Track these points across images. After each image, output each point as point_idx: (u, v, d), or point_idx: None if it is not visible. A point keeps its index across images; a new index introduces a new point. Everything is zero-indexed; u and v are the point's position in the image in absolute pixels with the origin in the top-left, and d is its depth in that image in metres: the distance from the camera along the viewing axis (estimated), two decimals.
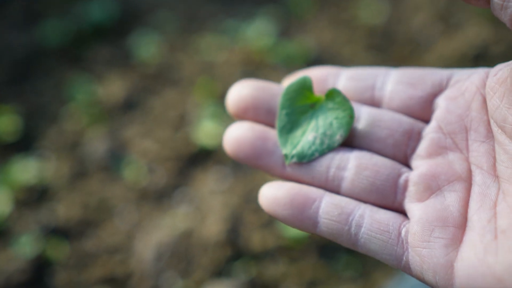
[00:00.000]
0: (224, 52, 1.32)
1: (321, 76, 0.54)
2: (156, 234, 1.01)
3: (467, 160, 0.47)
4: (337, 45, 1.34)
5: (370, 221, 0.46)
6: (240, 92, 0.54)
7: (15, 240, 0.99)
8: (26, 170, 1.08)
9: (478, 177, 0.45)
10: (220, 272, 0.97)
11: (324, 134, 0.51)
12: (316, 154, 0.50)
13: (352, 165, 0.49)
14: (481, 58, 1.27)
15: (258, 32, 1.33)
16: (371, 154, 0.50)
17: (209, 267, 0.97)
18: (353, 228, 0.46)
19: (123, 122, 1.20)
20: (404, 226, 0.45)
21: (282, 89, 0.54)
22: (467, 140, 0.47)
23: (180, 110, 1.21)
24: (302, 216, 0.47)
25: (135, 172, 1.10)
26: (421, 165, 0.48)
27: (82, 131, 1.18)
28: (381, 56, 1.31)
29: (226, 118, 1.18)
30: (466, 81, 0.49)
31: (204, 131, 1.14)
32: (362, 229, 0.46)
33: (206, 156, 1.12)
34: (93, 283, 0.96)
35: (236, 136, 0.52)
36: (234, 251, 0.99)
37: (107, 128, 1.18)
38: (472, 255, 0.41)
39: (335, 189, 0.49)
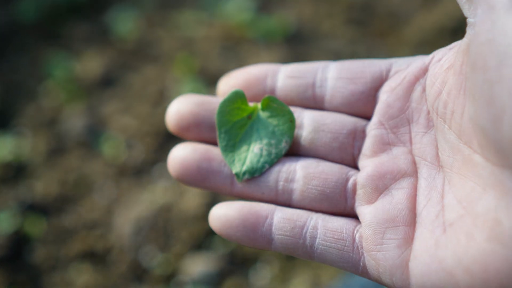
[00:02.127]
0: (204, 28, 1.32)
1: (260, 76, 0.53)
2: (135, 209, 1.01)
3: (411, 153, 0.46)
4: (317, 20, 1.34)
5: (324, 231, 0.45)
6: (179, 110, 0.51)
7: None
8: (3, 147, 1.07)
9: (423, 170, 0.45)
10: (200, 245, 0.97)
11: (269, 144, 0.50)
12: (266, 166, 0.49)
13: (299, 176, 0.48)
14: (459, 31, 1.27)
15: (237, 7, 1.32)
16: (318, 162, 0.48)
17: (189, 240, 0.97)
18: (308, 241, 0.45)
19: (102, 99, 1.19)
20: (357, 231, 0.45)
21: (218, 102, 0.52)
22: (410, 132, 0.47)
23: (159, 86, 1.20)
24: (256, 235, 0.46)
25: (114, 148, 1.10)
26: (366, 165, 0.47)
27: (60, 107, 1.17)
28: (360, 30, 1.31)
29: (205, 93, 1.18)
30: (405, 71, 0.48)
31: None
32: (317, 240, 0.45)
33: None
34: (72, 258, 0.96)
35: (180, 159, 0.50)
36: None
37: (85, 104, 1.17)
38: (424, 252, 0.40)
39: (286, 202, 0.48)
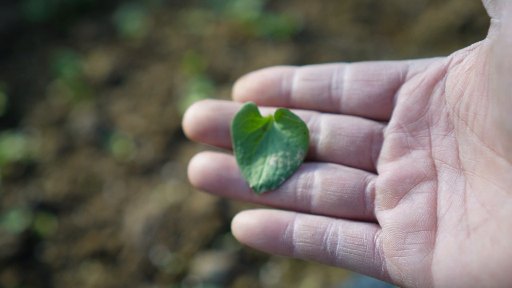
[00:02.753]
0: (211, 26, 1.31)
1: (275, 78, 0.52)
2: (145, 207, 1.01)
3: (430, 156, 0.46)
4: (324, 18, 1.34)
5: (344, 237, 0.45)
6: (196, 115, 0.51)
7: (3, 216, 0.99)
8: (13, 146, 1.07)
9: (444, 173, 0.44)
10: (210, 244, 0.97)
11: (284, 156, 0.50)
12: (282, 179, 0.49)
13: (318, 182, 0.48)
14: (467, 28, 1.27)
15: (244, 5, 1.32)
16: (335, 167, 0.48)
17: (199, 239, 0.97)
18: (328, 247, 0.46)
19: (110, 97, 1.19)
20: (377, 236, 0.45)
21: (237, 108, 0.52)
22: (429, 135, 0.46)
23: (167, 84, 1.20)
24: (277, 243, 0.47)
25: (123, 147, 1.10)
26: (385, 169, 0.47)
27: (69, 106, 1.17)
28: (368, 28, 1.31)
29: (213, 92, 1.18)
30: (423, 73, 0.47)
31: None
32: (337, 247, 0.45)
33: None
34: (83, 257, 0.96)
35: (200, 168, 0.50)
36: (223, 223, 0.99)
37: (94, 103, 1.17)
38: (447, 257, 0.40)
39: (305, 209, 0.48)
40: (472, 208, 0.40)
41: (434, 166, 0.45)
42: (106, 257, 0.97)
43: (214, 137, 0.52)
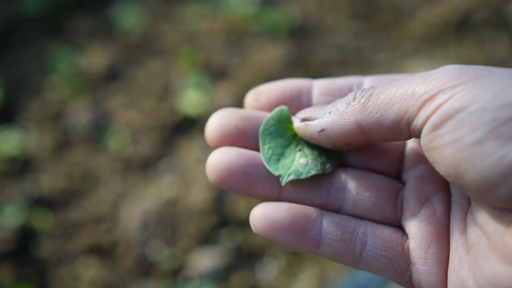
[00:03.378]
0: (207, 21, 1.31)
1: (295, 93, 0.51)
2: (142, 203, 1.01)
3: None
4: (321, 13, 1.33)
5: (374, 238, 0.45)
6: (222, 124, 0.49)
7: None
8: (9, 142, 1.07)
9: (452, 185, 0.45)
10: (206, 239, 0.98)
11: (315, 159, 0.48)
12: (313, 172, 0.47)
13: (351, 186, 0.47)
14: (464, 24, 1.27)
15: (241, 0, 1.31)
16: (368, 173, 0.48)
17: (195, 234, 0.97)
18: (357, 247, 0.45)
19: (107, 93, 1.18)
20: (406, 241, 0.45)
21: (263, 116, 0.50)
22: None
23: (163, 80, 1.20)
24: (304, 238, 0.45)
25: (119, 142, 1.10)
26: (409, 177, 0.47)
27: (65, 102, 1.16)
28: (365, 24, 1.31)
29: (209, 87, 1.17)
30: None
31: (188, 100, 1.14)
32: (367, 247, 0.44)
33: (190, 125, 1.12)
34: (79, 253, 0.96)
35: (225, 164, 0.47)
36: (220, 219, 0.99)
37: (90, 99, 1.17)
38: (451, 271, 0.40)
39: (335, 211, 0.47)
40: (469, 224, 0.41)
41: None
42: (102, 252, 0.97)
43: (243, 147, 0.49)
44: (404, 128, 0.40)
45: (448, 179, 0.38)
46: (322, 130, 0.45)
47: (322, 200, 0.47)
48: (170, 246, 0.97)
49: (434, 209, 0.44)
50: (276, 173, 0.47)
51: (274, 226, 0.44)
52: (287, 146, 0.50)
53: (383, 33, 1.29)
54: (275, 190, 0.48)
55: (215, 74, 1.21)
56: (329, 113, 0.44)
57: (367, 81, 0.51)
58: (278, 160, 0.48)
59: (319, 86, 0.52)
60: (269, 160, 0.48)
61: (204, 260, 0.94)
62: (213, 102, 1.14)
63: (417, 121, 0.38)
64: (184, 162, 1.07)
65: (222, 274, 0.94)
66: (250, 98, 0.53)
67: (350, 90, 0.51)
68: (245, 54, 1.24)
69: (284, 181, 0.47)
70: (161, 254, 0.96)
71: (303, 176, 0.47)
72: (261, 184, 0.47)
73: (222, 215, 0.99)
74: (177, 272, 0.95)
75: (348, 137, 0.43)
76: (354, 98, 0.43)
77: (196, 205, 0.99)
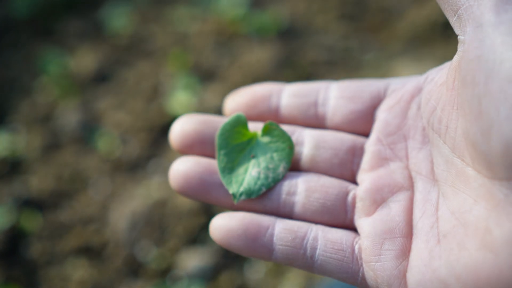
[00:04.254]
0: (197, 23, 1.32)
1: (265, 94, 0.54)
2: (130, 204, 1.02)
3: (407, 168, 0.48)
4: (310, 15, 1.34)
5: (324, 242, 0.46)
6: (183, 128, 0.52)
7: None
8: None
9: (419, 184, 0.46)
10: (195, 239, 0.98)
11: (267, 168, 0.50)
12: (263, 189, 0.49)
13: (301, 189, 0.49)
14: (450, 26, 1.28)
15: (230, 2, 1.32)
16: (319, 176, 0.50)
17: (183, 235, 0.98)
18: (308, 251, 0.46)
19: (96, 94, 1.19)
20: (356, 242, 0.46)
21: (223, 121, 0.53)
22: (406, 148, 0.48)
23: (153, 81, 1.21)
24: (256, 245, 0.47)
25: (108, 143, 1.10)
26: (365, 179, 0.48)
27: (54, 103, 1.17)
28: (353, 25, 1.32)
29: (199, 89, 1.18)
30: (401, 90, 0.50)
31: (177, 102, 1.14)
32: (317, 251, 0.46)
33: None
34: (68, 253, 0.96)
35: (183, 172, 0.50)
36: (208, 219, 1.00)
37: (80, 100, 1.18)
38: (419, 262, 0.41)
39: (287, 215, 0.49)
40: (443, 216, 0.42)
41: (410, 177, 0.47)
42: (91, 253, 0.97)
43: (201, 149, 0.52)
44: None
45: (470, 133, 0.38)
46: None
47: (273, 205, 0.49)
48: (159, 246, 0.97)
49: (390, 209, 0.46)
50: (230, 190, 0.50)
51: (228, 235, 0.47)
52: (241, 151, 0.52)
53: (371, 34, 1.30)
54: (229, 196, 0.50)
55: (205, 75, 1.22)
56: None
57: (335, 85, 0.54)
58: (232, 169, 0.51)
59: (289, 89, 0.55)
60: (223, 169, 0.51)
61: (193, 260, 0.95)
62: (202, 103, 1.15)
63: None
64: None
65: (210, 274, 0.94)
66: (228, 100, 0.56)
67: (317, 92, 0.54)
68: (234, 56, 1.25)
69: (236, 201, 0.50)
70: (149, 254, 0.97)
71: (253, 196, 0.49)
72: (215, 191, 0.50)
73: (211, 216, 1.00)
74: (165, 272, 0.95)
75: None
76: None
77: (184, 205, 1.00)
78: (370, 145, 0.50)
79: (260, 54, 1.23)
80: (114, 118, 1.14)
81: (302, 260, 0.46)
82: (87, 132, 1.12)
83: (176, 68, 1.21)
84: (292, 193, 0.49)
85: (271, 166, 0.51)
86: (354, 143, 0.51)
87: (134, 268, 0.95)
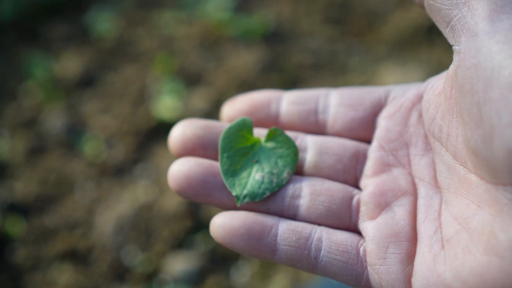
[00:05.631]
0: (183, 27, 1.32)
1: (264, 102, 0.54)
2: (116, 208, 1.01)
3: (410, 174, 0.48)
4: (296, 18, 1.35)
5: (329, 243, 0.46)
6: (185, 133, 0.51)
7: None
8: None
9: (421, 189, 0.46)
10: (181, 243, 0.98)
11: (271, 173, 0.50)
12: (267, 193, 0.49)
13: (306, 192, 0.48)
14: (435, 30, 1.29)
15: (216, 6, 1.32)
16: (323, 180, 0.50)
17: (170, 239, 0.98)
18: (312, 252, 0.46)
19: (82, 98, 1.19)
20: (361, 245, 0.46)
21: (224, 127, 0.53)
22: (408, 155, 0.49)
23: (139, 85, 1.21)
24: (260, 245, 0.46)
25: (94, 147, 1.10)
26: (369, 184, 0.48)
27: (39, 107, 1.16)
28: (339, 29, 1.33)
29: (185, 92, 1.18)
30: (402, 97, 0.51)
31: (163, 106, 1.14)
32: (322, 252, 0.45)
33: (165, 130, 1.12)
34: (53, 258, 0.96)
35: (185, 173, 0.49)
36: (195, 223, 1.00)
37: (65, 104, 1.17)
38: (423, 267, 0.41)
39: (291, 218, 0.48)
40: (446, 221, 0.42)
41: (413, 183, 0.48)
42: (77, 257, 0.97)
43: (202, 154, 0.52)
44: None
45: (472, 142, 0.38)
46: None
47: (277, 208, 0.49)
48: (145, 250, 0.97)
49: (394, 213, 0.46)
50: (233, 192, 0.49)
51: (231, 234, 0.46)
52: (245, 155, 0.52)
53: (357, 38, 1.31)
54: (232, 198, 0.49)
55: (191, 79, 1.22)
56: None
57: (335, 93, 0.54)
58: (235, 172, 0.50)
59: (288, 96, 0.54)
60: (226, 172, 0.50)
61: (179, 264, 0.95)
62: (188, 107, 1.15)
63: None
64: (159, 167, 1.07)
65: (196, 278, 0.94)
66: (226, 107, 0.55)
67: (317, 99, 0.54)
68: (220, 60, 1.25)
69: (239, 203, 0.49)
70: (136, 258, 0.96)
71: (257, 199, 0.49)
72: (218, 193, 0.49)
73: (197, 219, 1.00)
74: (152, 276, 0.95)
75: None
76: None
77: (171, 209, 1.00)
78: (373, 151, 0.50)
79: (246, 58, 1.24)
80: (100, 122, 1.14)
81: (306, 261, 0.46)
82: (73, 136, 1.11)
83: (162, 72, 1.21)
84: (296, 196, 0.49)
85: (275, 171, 0.50)
86: (357, 150, 0.51)
87: (120, 273, 0.95)
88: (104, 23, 1.30)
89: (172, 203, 1.01)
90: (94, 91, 1.20)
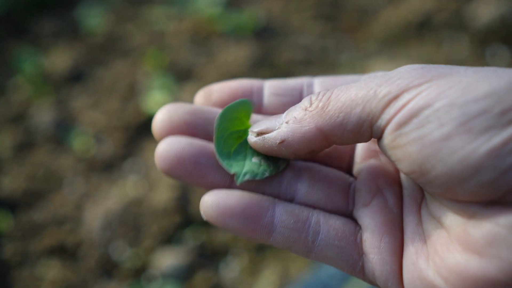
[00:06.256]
0: (173, 22, 1.31)
1: (245, 92, 0.51)
2: (105, 203, 1.01)
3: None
4: (286, 14, 1.35)
5: (327, 228, 0.44)
6: (172, 119, 0.48)
7: None
8: None
9: (404, 179, 0.45)
10: (170, 239, 0.98)
11: (267, 158, 0.48)
12: (266, 174, 0.46)
13: (304, 176, 0.47)
14: (425, 26, 1.29)
15: (207, 1, 1.32)
16: (320, 166, 0.48)
17: (159, 234, 0.97)
18: (310, 236, 0.44)
19: (71, 93, 1.18)
20: (358, 232, 0.44)
21: (215, 112, 0.49)
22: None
23: (129, 80, 1.20)
24: (256, 226, 0.44)
25: (83, 143, 1.09)
26: (360, 170, 0.47)
27: (28, 102, 1.16)
28: (329, 25, 1.32)
29: (175, 88, 1.18)
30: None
31: (153, 101, 1.14)
32: (320, 236, 0.44)
33: None
34: (41, 253, 0.95)
35: (176, 152, 0.45)
36: (184, 218, 0.99)
37: (55, 99, 1.16)
38: (408, 261, 0.41)
39: (287, 201, 0.46)
40: (425, 216, 0.41)
41: (398, 171, 0.47)
42: (65, 253, 0.96)
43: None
44: (367, 130, 0.39)
45: (411, 176, 0.38)
46: (282, 142, 0.43)
47: (273, 191, 0.47)
48: (134, 246, 0.97)
49: (386, 200, 0.45)
50: (231, 171, 0.46)
51: (226, 213, 0.44)
52: (238, 138, 0.49)
53: (347, 34, 1.31)
54: (226, 181, 0.47)
55: (181, 74, 1.21)
56: (287, 122, 0.43)
57: (317, 81, 0.52)
58: (229, 154, 0.48)
59: (269, 86, 0.52)
60: (221, 153, 0.47)
61: (168, 259, 0.95)
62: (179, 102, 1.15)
63: (381, 122, 0.38)
64: (148, 163, 1.07)
65: (185, 273, 0.94)
66: (200, 96, 0.52)
67: (300, 90, 0.51)
68: (210, 55, 1.25)
69: (239, 180, 0.46)
70: (124, 254, 0.96)
71: (258, 177, 0.47)
72: (212, 174, 0.46)
73: (186, 215, 1.00)
74: (140, 272, 0.95)
75: (311, 144, 0.42)
76: (311, 103, 0.42)
77: (160, 205, 1.00)
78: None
79: (236, 54, 1.23)
80: (89, 117, 1.13)
81: (302, 244, 0.44)
82: (62, 132, 1.11)
83: (152, 67, 1.21)
84: (294, 181, 0.47)
85: (270, 158, 0.48)
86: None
87: (108, 268, 0.95)
88: (94, 18, 1.29)
89: (161, 199, 1.00)
90: (84, 87, 1.19)
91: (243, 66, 1.21)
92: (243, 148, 0.49)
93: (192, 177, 0.46)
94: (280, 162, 0.48)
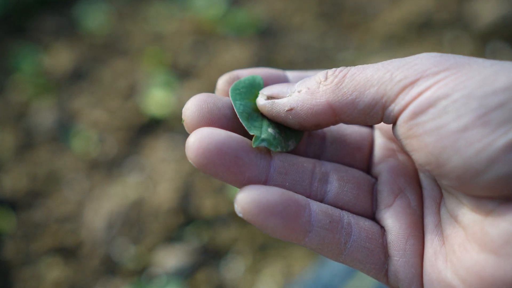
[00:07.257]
0: (174, 22, 1.31)
1: (274, 77, 0.49)
2: (107, 203, 1.00)
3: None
4: (288, 14, 1.35)
5: (358, 229, 0.43)
6: (209, 107, 0.44)
7: None
8: None
9: (423, 179, 0.45)
10: (172, 238, 0.98)
11: (280, 133, 0.46)
12: (279, 149, 0.45)
13: (333, 178, 0.46)
14: (425, 26, 1.29)
15: (208, 1, 1.32)
16: (346, 167, 0.47)
17: (161, 233, 0.97)
18: (343, 237, 0.43)
19: (72, 93, 1.18)
20: (384, 234, 0.44)
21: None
22: None
23: (129, 79, 1.20)
24: (296, 225, 0.41)
25: (84, 142, 1.09)
26: (380, 171, 0.47)
27: (29, 102, 1.15)
28: (330, 24, 1.32)
29: (176, 87, 1.18)
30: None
31: (154, 100, 1.14)
32: (352, 237, 0.43)
33: (156, 125, 1.12)
34: (43, 253, 0.95)
35: (217, 144, 0.41)
36: (186, 217, 0.99)
37: (55, 98, 1.16)
38: (427, 262, 0.40)
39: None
40: (443, 216, 0.41)
41: (417, 170, 0.46)
42: (67, 252, 0.96)
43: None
44: (378, 112, 0.39)
45: (426, 167, 0.38)
46: (290, 109, 0.43)
47: (305, 192, 0.45)
48: (136, 245, 0.96)
49: (409, 201, 0.44)
50: (250, 131, 0.44)
51: (267, 210, 0.41)
52: (254, 111, 0.48)
53: (348, 33, 1.31)
54: (261, 179, 0.44)
55: (182, 74, 1.21)
56: (299, 91, 0.42)
57: None
58: (248, 117, 0.46)
59: (293, 77, 0.50)
60: (242, 113, 0.45)
61: (170, 259, 0.94)
62: (180, 102, 1.14)
63: (395, 107, 0.38)
64: (150, 162, 1.07)
65: (187, 272, 0.94)
66: (224, 80, 0.49)
67: None
68: (212, 55, 1.24)
69: (256, 144, 0.44)
70: (126, 253, 0.96)
71: (272, 148, 0.45)
72: (249, 171, 0.43)
73: (188, 214, 0.99)
74: (142, 271, 0.94)
75: (318, 117, 0.42)
76: (326, 78, 0.41)
77: (162, 204, 0.99)
78: (376, 137, 0.49)
79: (237, 53, 1.23)
80: (91, 116, 1.13)
81: (335, 245, 0.43)
82: (63, 131, 1.10)
83: (153, 67, 1.20)
84: (324, 181, 0.46)
85: (283, 134, 0.47)
86: (371, 137, 0.49)
87: (111, 267, 0.94)
88: (94, 17, 1.29)
89: (163, 198, 1.00)
90: (85, 86, 1.19)
91: (244, 66, 1.21)
92: (258, 118, 0.48)
93: (229, 173, 0.42)
94: (290, 142, 0.47)
